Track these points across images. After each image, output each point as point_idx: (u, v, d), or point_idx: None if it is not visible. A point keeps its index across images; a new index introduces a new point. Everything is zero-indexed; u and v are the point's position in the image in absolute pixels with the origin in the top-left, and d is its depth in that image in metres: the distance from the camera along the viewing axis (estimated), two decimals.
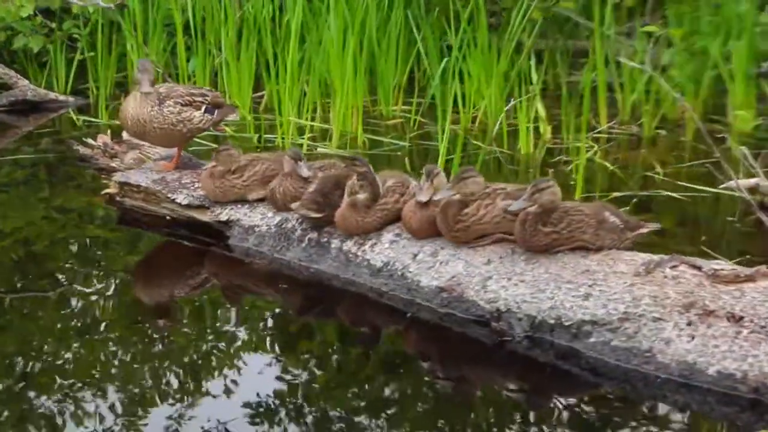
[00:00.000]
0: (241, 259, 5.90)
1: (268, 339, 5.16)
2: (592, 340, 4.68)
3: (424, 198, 5.24)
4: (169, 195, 6.36)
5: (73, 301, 5.54)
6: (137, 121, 6.33)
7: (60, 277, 5.86)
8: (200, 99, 6.53)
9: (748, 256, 5.67)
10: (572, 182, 6.88)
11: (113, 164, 7.08)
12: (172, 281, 5.95)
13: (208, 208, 6.20)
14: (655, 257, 4.90)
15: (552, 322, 4.79)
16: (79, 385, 4.63)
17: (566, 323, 4.75)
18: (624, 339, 4.61)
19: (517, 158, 7.58)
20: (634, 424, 4.33)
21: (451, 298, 5.09)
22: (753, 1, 7.96)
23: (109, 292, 5.71)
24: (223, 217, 6.09)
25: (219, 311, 5.51)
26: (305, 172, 5.84)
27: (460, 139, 7.02)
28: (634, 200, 6.49)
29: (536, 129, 7.84)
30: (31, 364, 4.82)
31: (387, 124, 8.35)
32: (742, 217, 6.30)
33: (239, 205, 6.10)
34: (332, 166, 6.00)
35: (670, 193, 6.67)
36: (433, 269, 5.23)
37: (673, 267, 4.80)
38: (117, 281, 5.88)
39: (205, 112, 6.49)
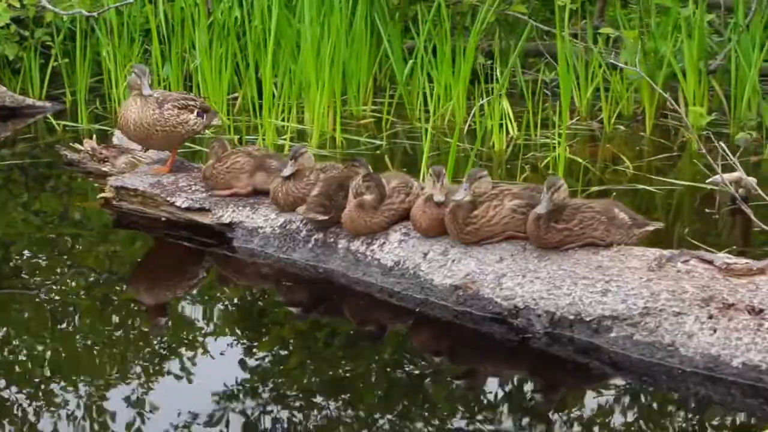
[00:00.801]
0: (246, 259, 5.57)
1: (283, 337, 4.86)
2: (613, 335, 4.44)
3: (441, 198, 4.95)
4: (168, 198, 6.00)
5: (80, 300, 5.19)
6: (141, 125, 5.98)
7: (64, 278, 5.49)
8: (192, 103, 6.22)
9: (734, 247, 5.49)
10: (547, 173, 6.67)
11: (104, 168, 6.69)
12: (176, 281, 5.63)
13: (209, 210, 5.84)
14: (666, 252, 4.67)
15: (571, 317, 4.54)
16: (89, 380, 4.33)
17: (586, 319, 4.50)
18: (646, 333, 4.38)
19: (489, 155, 7.32)
20: (660, 416, 4.12)
21: (466, 296, 4.81)
22: (701, 4, 7.79)
23: (114, 292, 5.37)
24: (226, 220, 5.74)
25: (230, 310, 5.21)
26: (285, 171, 5.54)
27: (457, 139, 6.74)
28: (614, 194, 6.26)
29: (501, 126, 7.57)
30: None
31: (359, 124, 8.03)
32: (719, 209, 6.11)
33: (240, 207, 5.76)
34: (333, 168, 5.68)
35: (645, 187, 6.46)
36: (445, 267, 4.95)
37: (685, 261, 4.58)
38: (119, 281, 5.53)
39: (197, 115, 6.18)
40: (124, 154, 6.66)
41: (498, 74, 7.93)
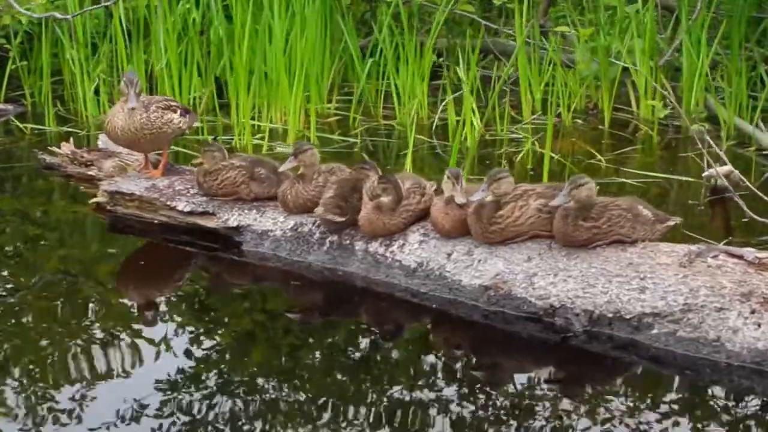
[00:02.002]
0: (258, 263, 5.20)
1: (314, 340, 4.51)
2: (654, 331, 4.22)
3: (463, 200, 4.65)
4: (168, 203, 5.57)
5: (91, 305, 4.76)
6: (128, 131, 5.59)
7: (62, 283, 5.06)
8: (174, 104, 5.83)
9: (730, 238, 5.32)
10: (531, 173, 6.41)
11: (90, 172, 6.20)
12: (184, 287, 5.21)
13: (213, 214, 5.43)
14: (694, 247, 4.47)
15: (610, 315, 4.30)
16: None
17: (626, 316, 4.26)
18: (689, 330, 4.16)
19: (461, 151, 7.02)
20: (710, 408, 3.93)
21: (498, 296, 4.53)
22: (650, 2, 7.62)
23: (120, 299, 4.95)
24: (232, 223, 5.34)
25: (255, 314, 4.82)
26: (282, 167, 5.22)
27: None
28: (597, 188, 6.03)
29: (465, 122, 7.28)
30: None
31: (325, 122, 7.64)
32: (703, 200, 5.95)
33: (246, 211, 5.37)
34: (340, 170, 5.32)
35: (625, 180, 6.26)
36: (471, 268, 4.65)
37: (714, 257, 4.38)
38: (125, 290, 5.13)
39: (180, 115, 5.79)
40: (111, 157, 6.18)
41: (457, 71, 7.62)
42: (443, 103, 7.35)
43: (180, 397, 3.98)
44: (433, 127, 7.37)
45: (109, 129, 5.67)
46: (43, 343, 4.45)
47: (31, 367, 4.24)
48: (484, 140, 7.20)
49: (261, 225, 5.28)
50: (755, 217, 5.29)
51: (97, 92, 7.76)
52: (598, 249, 4.51)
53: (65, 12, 7.44)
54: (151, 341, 4.46)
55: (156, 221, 5.63)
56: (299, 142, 5.36)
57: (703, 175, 5.75)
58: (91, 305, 4.90)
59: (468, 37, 8.03)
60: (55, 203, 6.33)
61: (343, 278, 4.95)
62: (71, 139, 6.68)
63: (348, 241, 5.01)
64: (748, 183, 5.48)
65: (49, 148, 6.61)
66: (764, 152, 6.70)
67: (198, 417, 3.85)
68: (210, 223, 5.45)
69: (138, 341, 4.46)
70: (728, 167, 5.50)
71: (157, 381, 4.09)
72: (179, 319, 4.78)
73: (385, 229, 4.90)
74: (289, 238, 5.17)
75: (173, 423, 3.80)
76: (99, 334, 4.54)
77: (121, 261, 5.54)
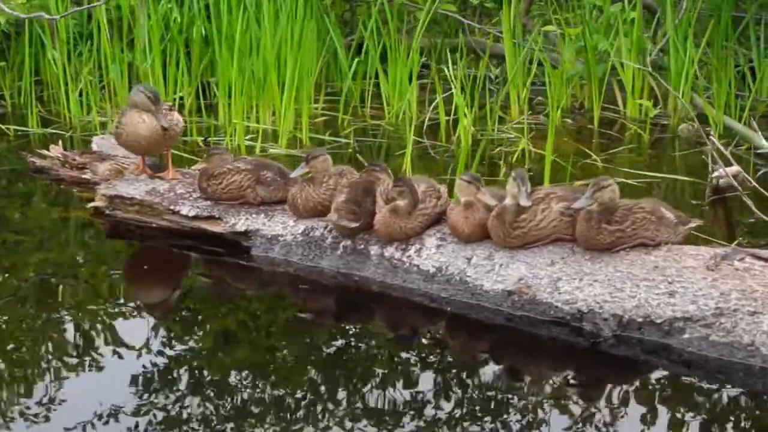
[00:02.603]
0: (269, 268, 4.96)
1: (332, 343, 4.29)
2: (686, 336, 4.06)
3: (493, 202, 4.47)
4: (171, 207, 5.32)
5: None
6: (153, 139, 5.40)
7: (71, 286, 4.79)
8: (168, 105, 5.61)
9: (740, 239, 5.18)
10: (531, 173, 6.23)
11: (85, 176, 5.93)
12: (191, 291, 4.97)
13: (219, 219, 5.19)
14: (719, 250, 4.31)
15: (640, 320, 4.14)
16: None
17: (657, 321, 4.10)
18: (722, 334, 4.01)
19: (454, 150, 6.83)
20: (744, 412, 3.78)
21: (523, 301, 4.35)
22: (638, 3, 7.49)
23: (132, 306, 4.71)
24: (240, 228, 5.10)
25: (267, 322, 4.59)
26: (292, 174, 5.02)
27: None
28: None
29: (457, 121, 7.09)
30: None
31: (314, 123, 7.40)
32: (706, 200, 5.81)
33: (254, 215, 5.14)
34: (350, 172, 5.10)
35: (624, 180, 6.09)
36: (493, 272, 4.47)
37: (741, 259, 4.23)
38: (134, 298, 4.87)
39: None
40: (106, 160, 5.90)
41: (443, 71, 7.42)
42: (434, 103, 7.14)
43: (181, 397, 3.79)
44: (424, 127, 7.16)
45: (129, 138, 5.42)
46: (48, 346, 4.25)
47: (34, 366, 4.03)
48: (477, 140, 7.01)
49: (270, 229, 5.05)
50: (764, 217, 5.17)
51: (81, 93, 7.46)
52: (621, 252, 4.35)
53: (46, 11, 7.11)
54: (156, 343, 4.26)
55: (154, 225, 5.38)
56: (313, 149, 5.09)
57: (713, 175, 5.61)
58: (95, 310, 4.66)
59: (446, 36, 7.87)
60: (49, 208, 6.03)
61: (359, 283, 4.74)
62: (60, 142, 6.42)
63: (362, 246, 4.80)
64: (755, 183, 5.36)
65: (38, 151, 6.34)
66: (758, 151, 6.57)
67: (197, 419, 3.66)
68: (216, 227, 5.20)
69: (141, 343, 4.27)
70: (736, 167, 5.37)
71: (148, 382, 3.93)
72: (188, 322, 4.55)
73: (402, 233, 4.69)
74: (301, 242, 4.94)
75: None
76: (103, 335, 4.37)
77: (123, 265, 5.28)
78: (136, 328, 4.48)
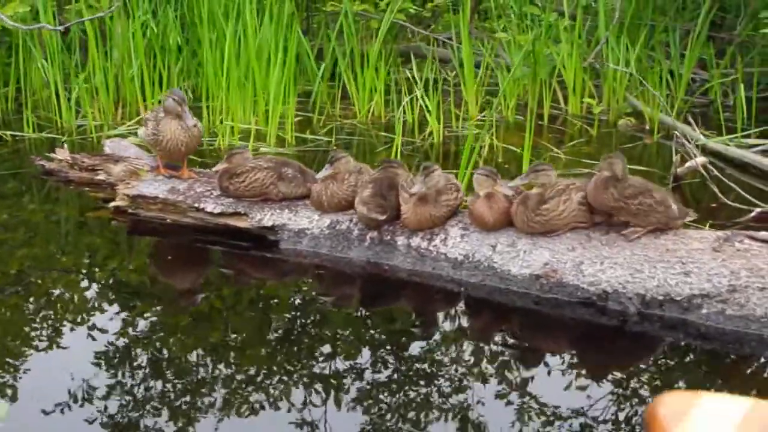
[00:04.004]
0: (299, 260, 4.80)
1: (371, 326, 4.17)
2: (704, 311, 4.07)
3: (511, 192, 4.47)
4: (196, 204, 5.10)
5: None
6: (192, 145, 5.26)
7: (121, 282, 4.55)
8: None
9: (710, 222, 5.24)
10: (506, 165, 6.20)
11: (99, 177, 5.64)
12: (230, 282, 4.76)
13: (244, 214, 4.99)
14: (720, 233, 4.34)
15: (661, 298, 4.13)
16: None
17: (676, 298, 4.10)
18: (737, 308, 4.04)
19: (424, 147, 6.74)
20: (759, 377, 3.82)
21: (551, 284, 4.30)
22: (579, 12, 7.52)
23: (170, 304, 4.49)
24: (267, 223, 4.93)
25: (307, 306, 4.44)
26: (319, 174, 4.86)
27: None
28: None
29: (424, 120, 7.00)
30: None
31: (289, 123, 7.21)
32: (669, 187, 5.85)
33: (278, 210, 4.97)
34: (367, 171, 4.97)
35: (591, 171, 6.08)
36: (518, 258, 4.41)
37: (740, 241, 4.26)
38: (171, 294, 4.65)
39: None
40: (120, 162, 5.62)
41: (407, 73, 7.32)
42: (404, 103, 7.03)
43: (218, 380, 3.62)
44: (401, 125, 7.04)
45: (169, 146, 5.20)
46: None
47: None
48: (445, 137, 6.94)
49: (297, 224, 4.89)
50: (728, 201, 5.25)
51: (70, 99, 7.10)
52: (635, 238, 4.33)
53: (27, 23, 6.73)
54: (193, 331, 4.06)
55: (170, 221, 5.16)
56: (335, 150, 4.93)
57: (687, 165, 5.64)
58: (126, 297, 4.43)
59: (394, 42, 7.77)
60: (67, 208, 5.72)
61: (389, 271, 4.62)
62: (64, 145, 6.10)
63: (389, 237, 4.68)
64: (717, 173, 5.44)
65: (46, 154, 6.02)
66: (698, 143, 6.67)
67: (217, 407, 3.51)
68: (242, 223, 5.01)
69: (170, 330, 4.05)
70: (704, 158, 5.43)
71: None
72: (232, 309, 4.37)
73: (431, 221, 4.59)
74: (328, 235, 4.80)
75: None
76: (129, 321, 4.15)
77: (151, 261, 5.04)
78: (185, 317, 4.29)
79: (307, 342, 4.06)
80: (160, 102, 5.54)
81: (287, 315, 4.36)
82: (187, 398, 3.61)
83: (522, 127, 7.33)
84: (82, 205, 5.72)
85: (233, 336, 4.12)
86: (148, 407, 3.56)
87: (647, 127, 7.14)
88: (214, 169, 5.17)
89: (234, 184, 5.04)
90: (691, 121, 6.63)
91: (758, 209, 5.20)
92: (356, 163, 5.04)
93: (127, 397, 3.60)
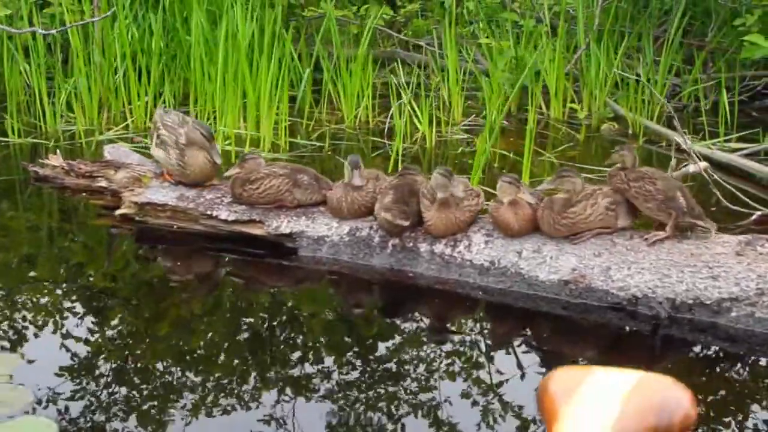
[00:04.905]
0: (319, 268, 4.71)
1: (404, 334, 4.12)
2: (734, 314, 4.09)
3: (532, 199, 4.46)
4: (207, 212, 4.97)
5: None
6: (214, 173, 5.24)
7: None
8: None
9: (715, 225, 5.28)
10: (503, 170, 6.17)
11: (100, 184, 5.48)
12: (249, 290, 4.65)
13: (260, 222, 4.88)
14: (742, 238, 4.37)
15: (690, 302, 4.14)
16: None
17: (706, 302, 4.12)
18: (766, 311, 4.05)
19: (418, 152, 6.69)
20: None
21: (580, 289, 4.28)
22: (562, 20, 7.55)
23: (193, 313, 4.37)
24: (285, 230, 4.82)
25: (337, 312, 4.35)
26: (357, 181, 4.72)
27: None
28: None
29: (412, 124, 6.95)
30: None
31: (279, 128, 7.08)
32: None
33: (295, 217, 4.87)
34: (383, 177, 4.90)
35: (587, 176, 6.11)
36: (545, 264, 4.39)
37: (762, 245, 4.30)
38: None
39: None
40: (122, 168, 5.46)
41: (392, 79, 7.27)
42: (393, 108, 6.97)
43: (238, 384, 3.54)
44: (385, 130, 6.99)
45: (197, 178, 5.12)
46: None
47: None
48: (436, 141, 6.90)
49: (315, 231, 4.79)
50: (729, 205, 5.31)
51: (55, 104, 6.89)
52: (658, 242, 4.33)
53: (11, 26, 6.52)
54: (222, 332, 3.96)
55: (177, 228, 5.03)
56: (352, 156, 4.83)
57: (691, 170, 5.67)
58: (137, 306, 4.31)
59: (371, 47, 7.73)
60: (68, 216, 5.54)
61: (414, 278, 4.55)
62: (57, 151, 5.91)
63: (411, 244, 4.62)
64: (716, 177, 5.49)
65: (40, 160, 5.82)
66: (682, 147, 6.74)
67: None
68: (257, 231, 4.90)
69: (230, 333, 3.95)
70: (705, 163, 5.48)
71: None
72: (255, 315, 4.26)
73: (455, 225, 4.54)
74: (348, 242, 4.72)
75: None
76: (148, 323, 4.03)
77: (164, 268, 4.89)
78: (208, 324, 4.18)
79: (335, 349, 3.99)
80: (154, 120, 5.35)
81: (316, 322, 4.28)
82: (205, 405, 3.51)
83: (509, 132, 7.38)
84: (80, 213, 5.55)
85: (269, 345, 4.02)
86: (170, 416, 3.46)
87: (630, 132, 7.21)
88: (225, 174, 5.05)
89: (248, 190, 4.93)
90: (677, 125, 6.70)
91: (758, 212, 5.26)
92: (379, 171, 5.00)
93: (154, 401, 3.49)
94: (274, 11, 7.12)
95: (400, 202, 4.60)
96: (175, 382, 3.70)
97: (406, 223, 4.57)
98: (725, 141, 6.78)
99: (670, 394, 1.25)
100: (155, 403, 3.54)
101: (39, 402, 3.42)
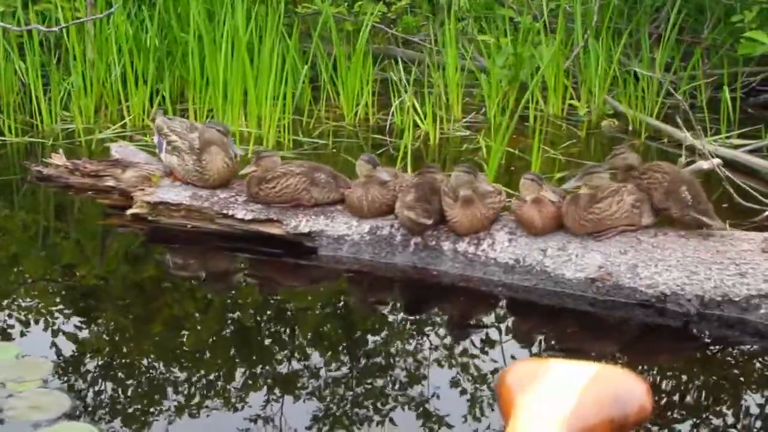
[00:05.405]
0: (339, 267, 4.67)
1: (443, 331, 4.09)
2: (763, 311, 4.11)
3: (556, 198, 4.44)
4: (223, 211, 4.91)
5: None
6: (230, 178, 5.15)
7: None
8: None
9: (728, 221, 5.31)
10: (511, 168, 6.17)
11: (108, 183, 5.39)
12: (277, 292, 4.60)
13: (277, 221, 4.83)
14: (766, 234, 4.38)
15: (719, 299, 4.16)
16: None
17: (734, 299, 4.13)
18: None
19: (423, 149, 6.66)
20: None
21: (608, 286, 4.27)
22: (560, 16, 7.55)
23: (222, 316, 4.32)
24: (304, 229, 4.77)
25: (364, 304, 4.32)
26: (385, 176, 4.68)
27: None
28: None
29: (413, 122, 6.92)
30: None
31: (279, 125, 7.02)
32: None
33: (313, 216, 4.82)
34: (401, 174, 4.88)
35: None
36: (571, 262, 4.38)
37: None
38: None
39: None
40: (130, 167, 5.38)
41: (392, 76, 7.23)
42: (395, 105, 6.95)
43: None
44: (387, 128, 6.96)
45: (216, 183, 5.04)
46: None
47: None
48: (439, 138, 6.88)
49: (335, 230, 4.75)
50: (742, 202, 5.34)
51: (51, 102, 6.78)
52: (682, 240, 4.35)
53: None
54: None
55: (190, 227, 4.96)
56: (368, 155, 4.79)
57: (705, 167, 5.68)
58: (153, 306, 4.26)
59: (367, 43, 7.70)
60: (77, 217, 5.46)
61: (438, 276, 4.53)
62: (60, 150, 5.81)
63: (434, 242, 4.60)
64: (729, 174, 5.52)
65: (43, 160, 5.73)
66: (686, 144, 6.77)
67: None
68: (275, 230, 4.85)
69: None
70: (718, 160, 5.50)
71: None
72: (284, 313, 4.22)
73: (480, 222, 4.51)
74: (369, 241, 4.68)
75: None
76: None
77: (184, 268, 4.83)
78: (232, 324, 4.13)
79: (365, 348, 3.96)
80: (157, 126, 5.29)
81: (344, 320, 4.26)
82: (229, 407, 3.47)
83: (515, 129, 7.36)
84: (89, 212, 5.47)
85: (300, 345, 3.99)
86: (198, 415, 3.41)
87: (630, 128, 7.24)
88: (241, 173, 4.99)
89: (264, 189, 4.87)
90: (679, 122, 6.74)
91: None
92: (397, 168, 4.97)
93: (179, 399, 3.44)
94: (277, 8, 7.05)
95: (422, 201, 4.57)
96: (213, 384, 3.65)
97: (430, 222, 4.55)
98: (726, 138, 6.83)
99: (626, 387, 1.25)
100: (185, 401, 3.49)
101: (75, 407, 3.35)
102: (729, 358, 4.02)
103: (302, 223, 4.80)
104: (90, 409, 3.38)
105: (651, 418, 3.17)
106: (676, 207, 4.41)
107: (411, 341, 4.05)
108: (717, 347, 4.11)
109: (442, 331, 4.18)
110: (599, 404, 1.22)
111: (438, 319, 4.32)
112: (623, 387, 1.24)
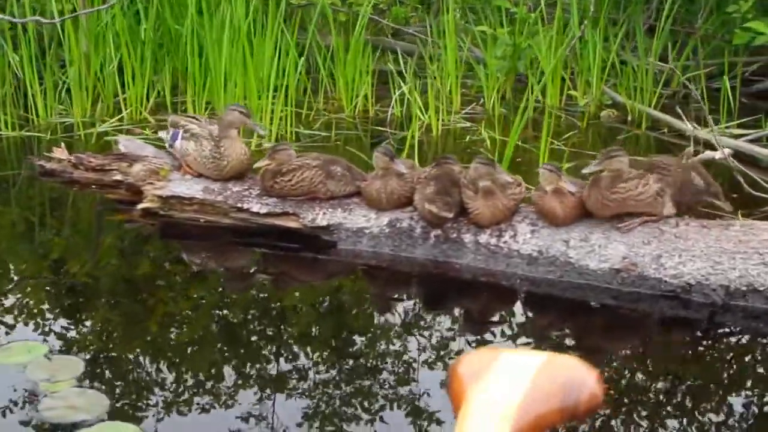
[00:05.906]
0: (357, 260, 4.64)
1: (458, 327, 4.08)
2: None
3: (573, 188, 4.40)
4: (238, 204, 4.86)
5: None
6: (248, 165, 5.08)
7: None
8: None
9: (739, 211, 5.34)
10: (518, 159, 6.16)
11: (116, 177, 5.31)
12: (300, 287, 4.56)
13: (294, 214, 4.79)
14: None
15: (744, 289, 4.18)
16: None
17: (759, 288, 4.16)
18: None
19: (428, 140, 6.64)
20: None
21: (633, 277, 4.28)
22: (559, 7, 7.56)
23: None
24: (321, 223, 4.74)
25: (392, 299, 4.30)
26: (402, 168, 4.66)
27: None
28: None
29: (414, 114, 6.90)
30: None
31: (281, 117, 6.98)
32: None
33: (330, 209, 4.78)
34: (416, 166, 4.85)
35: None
36: (594, 253, 4.38)
37: None
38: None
39: None
40: (138, 161, 5.31)
41: (390, 67, 7.21)
42: (395, 97, 6.92)
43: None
44: (388, 119, 6.93)
45: (233, 171, 4.96)
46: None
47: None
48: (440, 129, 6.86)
49: (353, 223, 4.72)
50: (753, 191, 5.37)
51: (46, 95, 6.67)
52: (704, 230, 4.37)
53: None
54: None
55: (203, 222, 4.91)
56: (384, 146, 4.76)
57: (717, 157, 5.70)
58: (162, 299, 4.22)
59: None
60: (85, 211, 5.38)
61: (461, 269, 4.51)
62: (62, 144, 5.72)
63: (455, 235, 4.58)
64: (740, 166, 5.55)
65: (45, 154, 5.64)
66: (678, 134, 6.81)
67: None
68: (292, 223, 4.81)
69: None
70: (729, 149, 5.53)
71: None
72: (311, 306, 4.19)
73: (502, 213, 4.50)
74: (389, 234, 4.65)
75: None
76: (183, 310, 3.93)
77: (202, 264, 4.78)
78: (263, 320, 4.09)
79: (384, 345, 3.94)
80: (172, 121, 5.23)
81: (368, 314, 4.23)
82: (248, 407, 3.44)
83: (508, 120, 7.37)
84: (89, 208, 5.40)
85: (323, 337, 3.96)
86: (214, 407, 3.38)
87: (629, 118, 7.26)
88: (255, 166, 4.94)
89: (279, 183, 4.83)
90: (681, 112, 6.77)
91: None
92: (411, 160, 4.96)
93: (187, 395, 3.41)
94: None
95: (442, 193, 4.56)
96: (236, 378, 3.62)
97: (451, 215, 4.53)
98: (725, 128, 6.87)
99: (576, 375, 1.25)
100: (217, 391, 3.46)
101: (114, 407, 3.30)
102: (758, 351, 4.05)
103: (319, 216, 4.76)
104: (127, 409, 3.34)
105: (602, 406, 3.19)
106: (691, 194, 4.43)
107: (432, 338, 4.03)
108: (745, 338, 4.15)
109: (463, 327, 4.17)
110: (549, 392, 1.22)
111: (457, 314, 4.31)
112: (573, 375, 1.24)
